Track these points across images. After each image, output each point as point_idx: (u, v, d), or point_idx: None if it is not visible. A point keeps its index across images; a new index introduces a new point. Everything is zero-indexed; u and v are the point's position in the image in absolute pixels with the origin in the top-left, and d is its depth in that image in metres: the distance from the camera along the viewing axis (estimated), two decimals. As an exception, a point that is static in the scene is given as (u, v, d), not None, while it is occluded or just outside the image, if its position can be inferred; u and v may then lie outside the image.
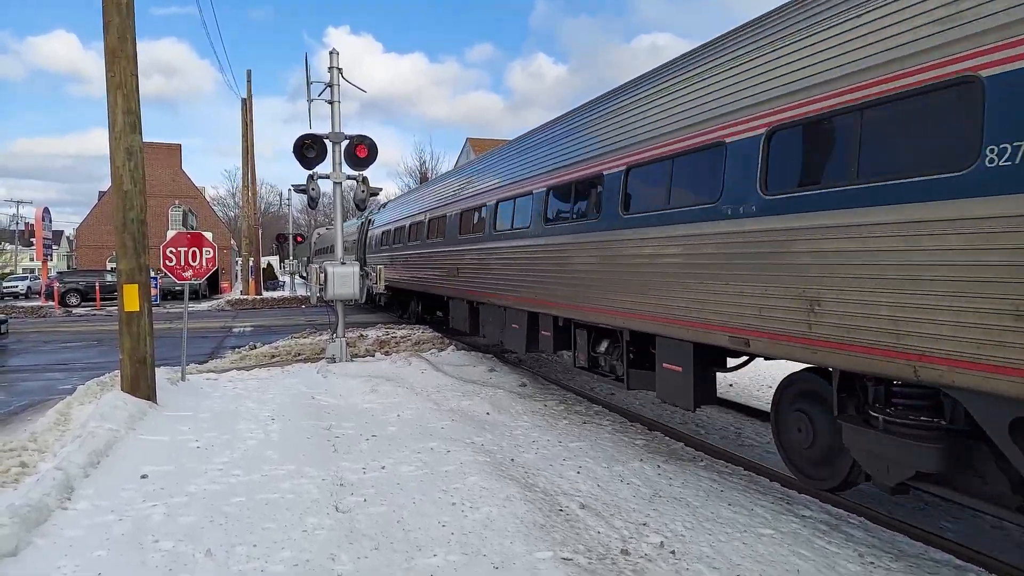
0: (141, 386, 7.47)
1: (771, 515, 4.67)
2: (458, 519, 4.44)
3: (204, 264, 9.37)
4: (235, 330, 19.40)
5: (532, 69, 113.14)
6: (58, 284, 31.56)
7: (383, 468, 5.49)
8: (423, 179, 60.67)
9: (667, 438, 6.88)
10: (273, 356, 12.34)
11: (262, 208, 62.89)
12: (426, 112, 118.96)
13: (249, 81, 33.12)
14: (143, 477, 5.17)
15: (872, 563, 3.96)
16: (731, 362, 6.04)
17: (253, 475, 5.30)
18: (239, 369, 10.71)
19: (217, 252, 9.72)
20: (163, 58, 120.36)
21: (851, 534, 4.40)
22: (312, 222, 78.56)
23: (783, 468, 5.45)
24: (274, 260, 51.13)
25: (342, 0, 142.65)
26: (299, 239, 40.47)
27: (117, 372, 8.06)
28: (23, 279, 42.55)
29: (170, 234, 9.86)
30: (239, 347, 13.96)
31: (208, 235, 10.47)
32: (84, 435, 5.89)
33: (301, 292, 34.19)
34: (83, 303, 30.90)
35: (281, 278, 45.82)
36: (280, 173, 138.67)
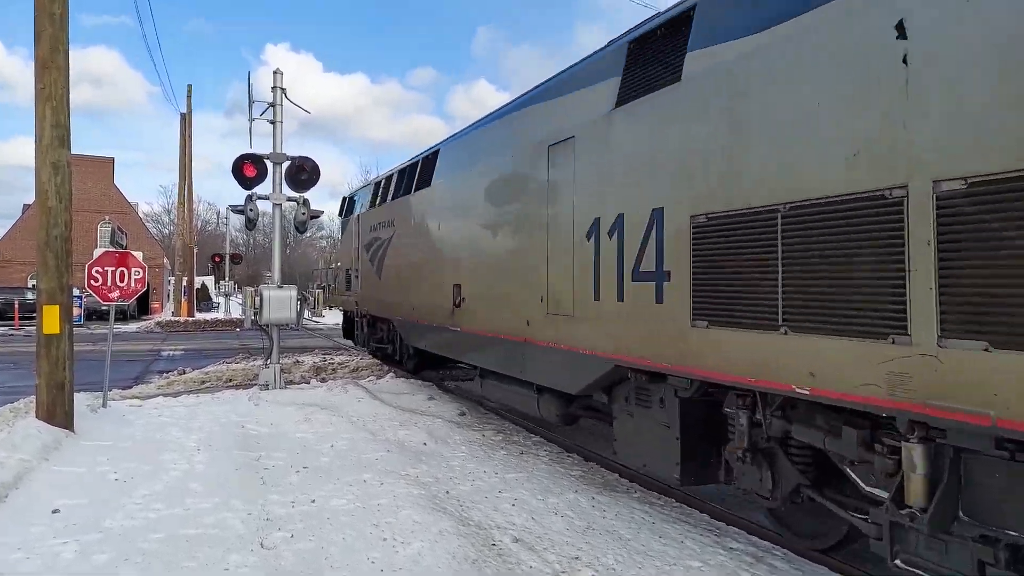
0: (57, 413, 7.09)
1: (699, 547, 4.75)
2: (388, 555, 4.36)
3: (133, 285, 9.03)
4: (164, 353, 18.67)
5: (474, 95, 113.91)
6: (-28, 301, 29.80)
7: (313, 501, 5.35)
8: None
9: (603, 469, 6.94)
10: (203, 382, 11.94)
11: (198, 226, 61.14)
12: (368, 133, 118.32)
13: (189, 97, 32.46)
14: (55, 512, 4.90)
15: (794, 595, 4.06)
16: None
17: (175, 509, 5.08)
18: (166, 395, 10.30)
19: (147, 272, 9.39)
20: (93, 67, 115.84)
21: (775, 566, 4.51)
22: (252, 241, 76.75)
23: (713, 500, 5.64)
24: (209, 280, 49.59)
25: (282, 17, 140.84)
26: (236, 259, 39.41)
27: (32, 398, 7.64)
28: (-67, 294, 39.99)
29: (97, 252, 9.49)
30: (167, 372, 13.45)
31: (138, 255, 10.12)
32: (-9, 466, 5.55)
33: (236, 314, 33.21)
34: (0, 322, 29.23)
35: (216, 299, 44.44)
36: (217, 190, 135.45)
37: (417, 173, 10.78)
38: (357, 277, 14.52)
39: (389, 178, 12.73)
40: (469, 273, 8.44)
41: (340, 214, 17.65)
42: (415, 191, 10.70)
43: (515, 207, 7.28)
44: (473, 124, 9.18)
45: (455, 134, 9.95)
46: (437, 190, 9.81)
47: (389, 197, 12.27)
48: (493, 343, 7.74)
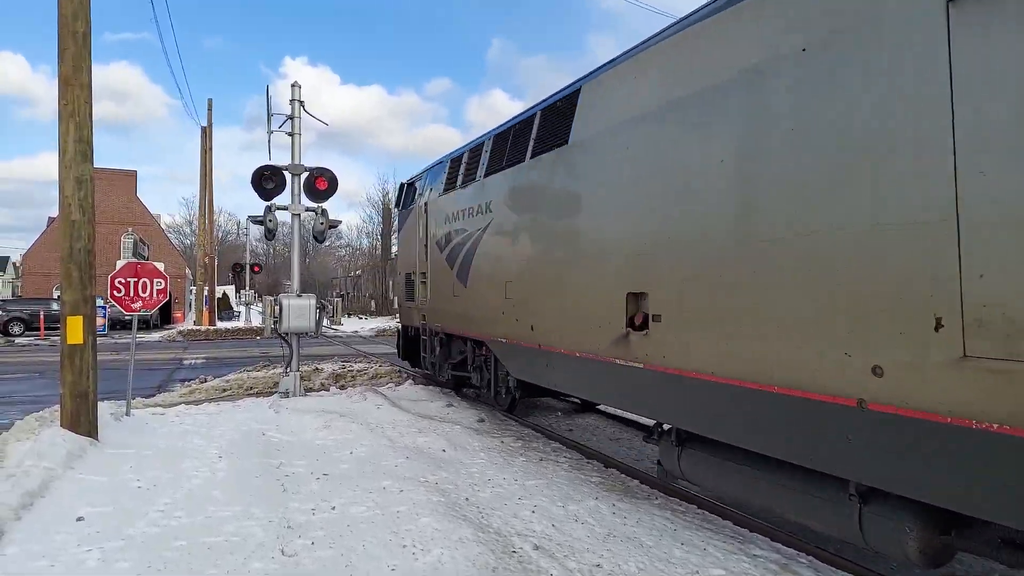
0: (82, 422, 7.18)
1: (723, 554, 4.69)
2: (408, 562, 4.35)
3: (154, 295, 9.14)
4: (186, 362, 18.88)
5: (489, 104, 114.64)
6: (1, 312, 30.39)
7: (333, 508, 5.36)
8: (387, 211, 60.19)
9: (623, 475, 6.88)
10: (224, 390, 12.03)
11: (219, 237, 61.89)
12: (385, 143, 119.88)
13: (210, 110, 32.87)
14: (79, 519, 4.95)
15: (820, 603, 3.98)
16: None
17: (196, 517, 5.11)
18: (188, 403, 10.40)
19: (169, 283, 9.50)
20: (115, 82, 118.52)
21: (800, 573, 4.43)
22: (272, 250, 77.53)
23: (735, 506, 5.54)
24: (230, 289, 50.14)
25: (300, 31, 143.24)
26: (256, 269, 39.78)
27: (57, 407, 7.75)
28: (-37, 306, 40.81)
29: (120, 264, 9.62)
30: (189, 380, 13.59)
31: (160, 265, 10.25)
32: (18, 474, 5.63)
33: (256, 322, 33.51)
34: (27, 332, 29.79)
35: (237, 308, 44.88)
36: (237, 201, 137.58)
37: (535, 132, 7.65)
38: (424, 283, 11.47)
39: (477, 148, 9.56)
40: (670, 274, 5.19)
41: (396, 205, 14.15)
42: (533, 157, 7.55)
43: (812, 140, 4.01)
44: (652, 38, 5.81)
45: (609, 62, 6.45)
46: (581, 150, 6.60)
47: (480, 173, 9.14)
48: (740, 398, 4.45)
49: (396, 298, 13.67)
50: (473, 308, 9.36)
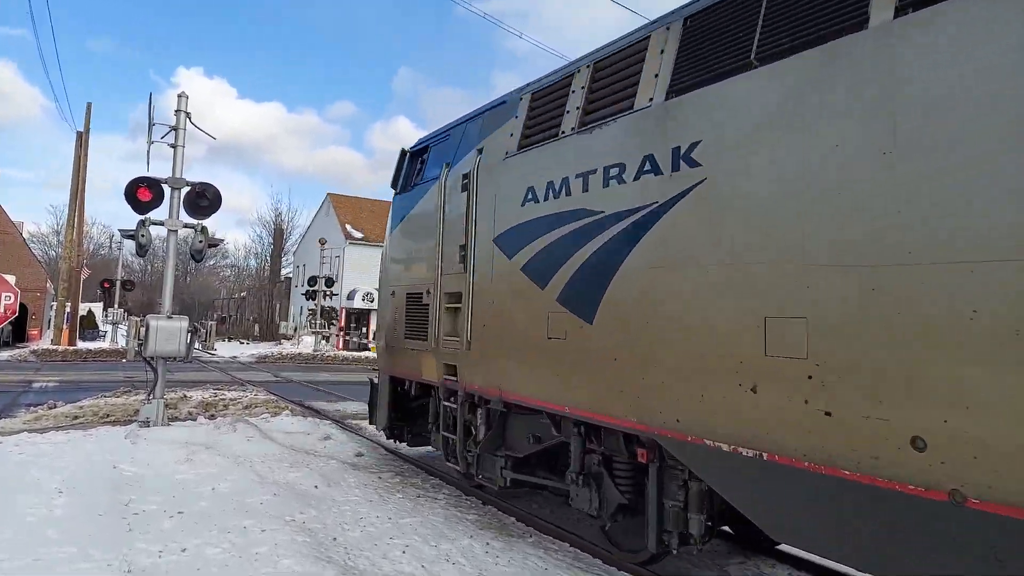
0: None
1: (590, 595, 4.71)
2: (263, 608, 4.07)
3: (1, 310, 8.27)
4: (36, 385, 17.19)
5: (392, 131, 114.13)
6: None
7: (184, 550, 4.96)
8: (278, 231, 58.04)
9: (500, 513, 6.83)
10: (76, 417, 11.02)
11: (90, 250, 57.50)
12: (281, 161, 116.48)
13: (88, 115, 30.65)
14: None
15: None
16: None
17: (23, 559, 4.59)
18: (31, 431, 9.41)
19: (19, 297, 8.65)
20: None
21: (663, 612, 4.52)
22: (149, 267, 72.71)
23: (606, 543, 5.62)
24: (97, 307, 46.46)
25: (195, 41, 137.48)
26: (128, 286, 37.12)
27: None
28: None
29: (-39, 273, 8.67)
30: (36, 405, 12.34)
31: (10, 279, 9.34)
32: None
33: (123, 343, 31.07)
34: None
35: (103, 327, 41.55)
36: (115, 212, 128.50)
37: None
38: (455, 309, 7.07)
39: (618, 55, 5.38)
40: None
41: (394, 185, 9.04)
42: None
43: None
44: None
45: None
46: None
47: (647, 95, 4.84)
48: None
49: (379, 330, 9.33)
50: (609, 365, 4.92)
